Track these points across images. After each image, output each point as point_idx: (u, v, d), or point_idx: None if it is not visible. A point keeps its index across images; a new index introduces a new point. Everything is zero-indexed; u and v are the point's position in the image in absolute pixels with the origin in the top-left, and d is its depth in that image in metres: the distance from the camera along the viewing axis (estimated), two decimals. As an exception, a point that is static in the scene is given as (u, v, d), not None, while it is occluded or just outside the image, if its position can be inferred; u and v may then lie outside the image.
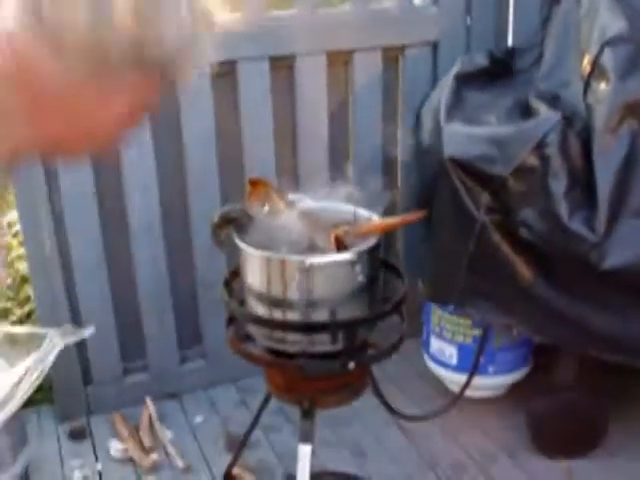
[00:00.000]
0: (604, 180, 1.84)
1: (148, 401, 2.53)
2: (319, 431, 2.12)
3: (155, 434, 2.42)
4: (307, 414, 1.73)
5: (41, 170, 2.26)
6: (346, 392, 1.78)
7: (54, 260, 2.34)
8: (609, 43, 1.91)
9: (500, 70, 2.42)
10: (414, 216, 1.91)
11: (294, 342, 1.70)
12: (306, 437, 1.71)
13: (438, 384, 2.57)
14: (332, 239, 1.68)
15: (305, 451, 1.72)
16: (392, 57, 2.63)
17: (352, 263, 1.61)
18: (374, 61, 2.58)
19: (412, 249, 2.74)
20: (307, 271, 1.60)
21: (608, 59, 1.89)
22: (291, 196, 1.85)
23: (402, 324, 1.84)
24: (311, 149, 2.57)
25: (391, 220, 1.80)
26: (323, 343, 1.68)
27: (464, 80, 2.31)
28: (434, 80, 2.61)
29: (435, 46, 2.63)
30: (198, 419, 2.52)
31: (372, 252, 1.68)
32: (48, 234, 2.33)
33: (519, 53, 2.49)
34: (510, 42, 2.72)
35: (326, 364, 1.71)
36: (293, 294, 1.63)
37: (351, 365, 1.67)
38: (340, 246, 1.67)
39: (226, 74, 2.39)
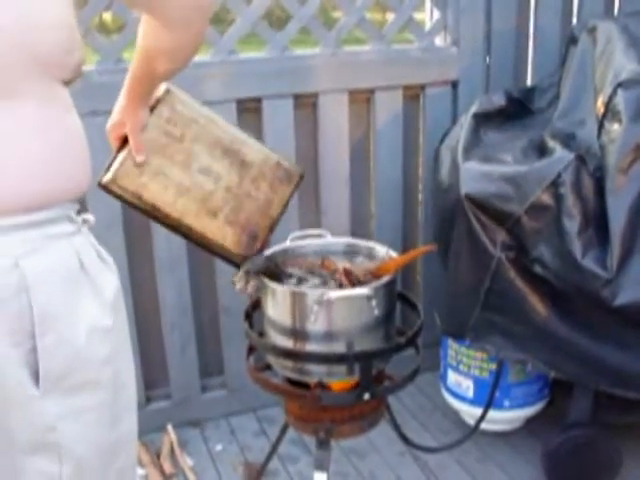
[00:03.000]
0: (616, 219, 1.87)
1: (169, 428, 2.58)
2: (335, 462, 2.16)
3: (176, 461, 2.46)
4: (323, 443, 1.77)
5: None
6: (361, 423, 1.82)
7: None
8: (622, 85, 1.94)
9: (517, 109, 2.46)
10: (421, 251, 1.96)
11: (312, 373, 1.75)
12: (321, 466, 1.76)
13: (455, 417, 2.59)
14: (341, 272, 1.73)
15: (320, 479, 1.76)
16: (413, 95, 2.69)
17: (368, 298, 1.67)
18: (395, 99, 2.64)
19: (432, 282, 2.78)
20: (325, 304, 1.65)
21: (620, 101, 1.92)
22: (312, 231, 1.93)
23: (417, 356, 1.89)
24: (333, 184, 2.62)
25: (400, 258, 1.85)
26: (340, 374, 1.73)
27: (482, 119, 2.36)
28: (454, 118, 2.67)
29: (455, 85, 2.69)
30: (218, 447, 2.56)
31: (388, 287, 1.73)
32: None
33: (537, 93, 2.53)
34: (529, 81, 2.78)
35: (342, 395, 1.76)
36: (311, 326, 1.68)
37: (366, 396, 1.71)
38: (350, 279, 1.73)
39: (252, 110, 2.47)
